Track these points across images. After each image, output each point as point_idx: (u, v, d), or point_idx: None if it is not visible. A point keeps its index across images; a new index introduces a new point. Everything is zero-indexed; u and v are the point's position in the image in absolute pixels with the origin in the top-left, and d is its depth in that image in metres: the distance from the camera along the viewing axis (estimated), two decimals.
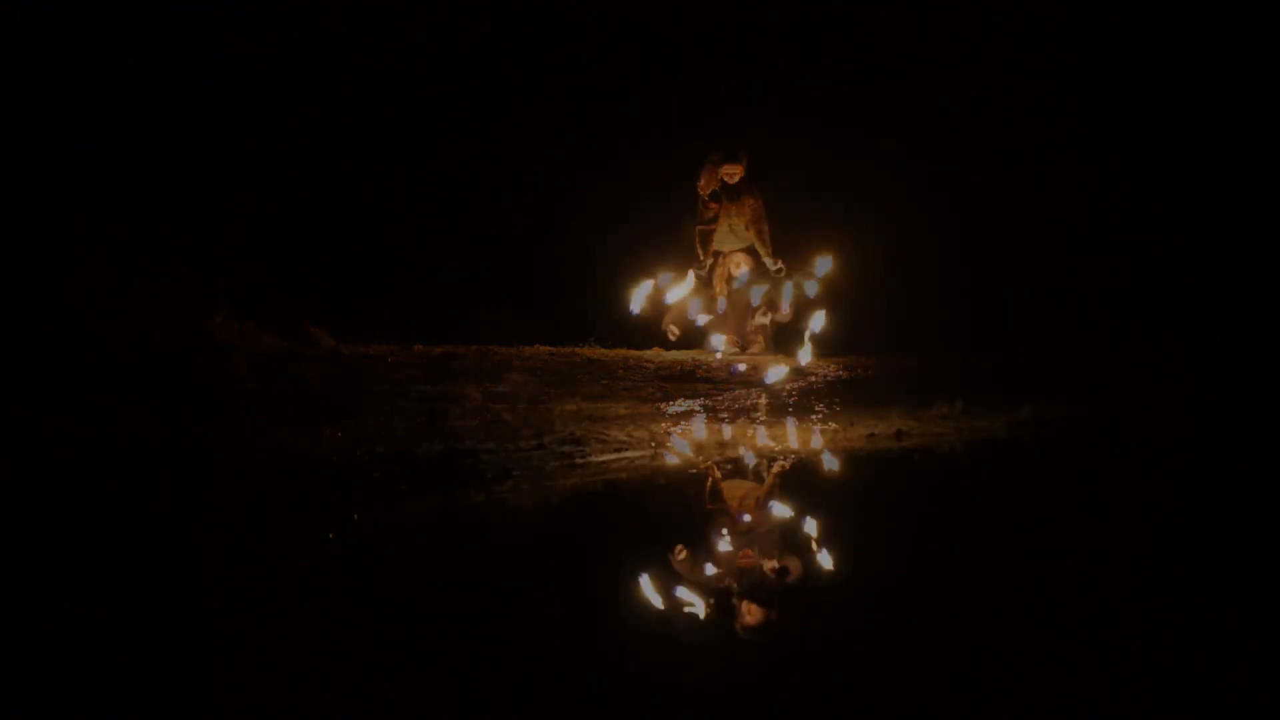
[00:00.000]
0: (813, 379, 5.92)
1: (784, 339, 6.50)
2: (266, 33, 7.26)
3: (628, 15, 8.21)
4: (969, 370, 6.26)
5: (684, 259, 6.44)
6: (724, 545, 2.80)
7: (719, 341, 6.31)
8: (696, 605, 2.14)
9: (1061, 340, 7.08)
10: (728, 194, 6.25)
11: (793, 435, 5.02)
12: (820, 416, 5.71)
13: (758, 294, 6.25)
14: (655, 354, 6.23)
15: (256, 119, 7.05)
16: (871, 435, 5.08)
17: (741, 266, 6.31)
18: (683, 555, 2.69)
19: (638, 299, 6.31)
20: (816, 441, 4.86)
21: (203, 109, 6.83)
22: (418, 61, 7.88)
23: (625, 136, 7.98)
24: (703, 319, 6.28)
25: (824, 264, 6.19)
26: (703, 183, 6.26)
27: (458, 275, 7.33)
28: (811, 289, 6.19)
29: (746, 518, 3.16)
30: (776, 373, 5.86)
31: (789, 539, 2.92)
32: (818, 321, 6.16)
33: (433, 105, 7.94)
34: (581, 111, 8.11)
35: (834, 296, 6.29)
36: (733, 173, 6.20)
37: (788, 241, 6.51)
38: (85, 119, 6.49)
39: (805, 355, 6.14)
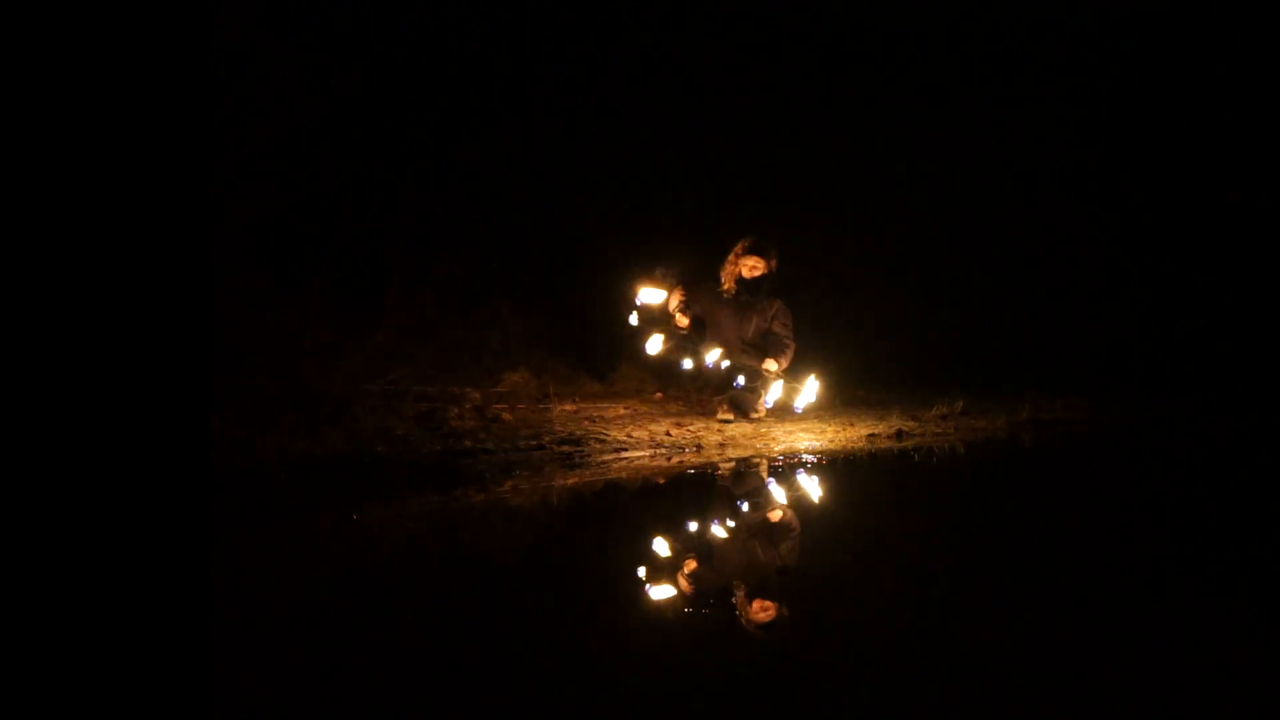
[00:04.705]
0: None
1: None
2: None
3: None
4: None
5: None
6: (723, 545, 2.80)
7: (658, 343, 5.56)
8: (697, 605, 2.14)
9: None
10: (745, 289, 5.59)
11: (794, 435, 5.02)
12: (821, 416, 5.72)
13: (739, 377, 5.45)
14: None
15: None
16: (872, 435, 5.09)
17: (757, 269, 5.54)
18: (683, 555, 2.69)
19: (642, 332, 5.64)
20: (817, 441, 4.86)
21: None
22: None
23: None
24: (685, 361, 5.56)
25: (810, 388, 5.47)
26: (725, 268, 5.65)
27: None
28: (799, 404, 5.53)
29: (747, 517, 3.16)
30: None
31: (790, 538, 2.92)
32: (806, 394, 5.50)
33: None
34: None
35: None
36: (754, 267, 5.55)
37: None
38: None
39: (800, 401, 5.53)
